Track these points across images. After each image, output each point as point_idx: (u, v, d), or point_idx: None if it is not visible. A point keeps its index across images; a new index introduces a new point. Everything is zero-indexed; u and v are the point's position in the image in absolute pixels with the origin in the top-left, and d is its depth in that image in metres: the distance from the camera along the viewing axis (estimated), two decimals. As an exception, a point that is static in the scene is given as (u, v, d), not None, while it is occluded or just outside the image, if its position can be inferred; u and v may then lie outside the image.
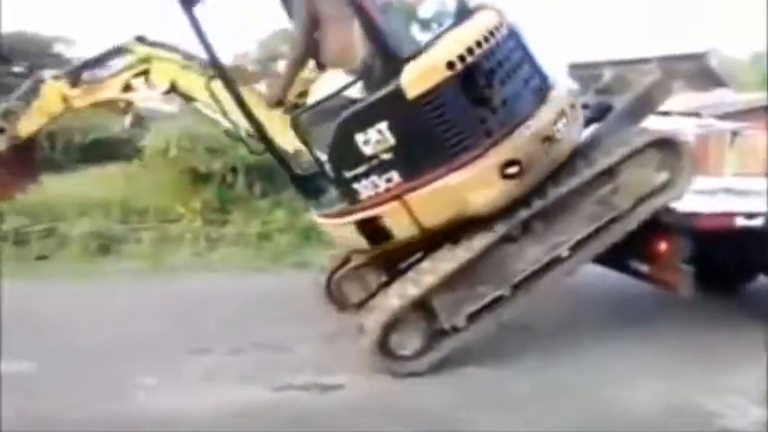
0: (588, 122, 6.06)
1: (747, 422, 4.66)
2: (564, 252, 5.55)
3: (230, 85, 5.42)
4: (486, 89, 5.04)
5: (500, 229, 5.34)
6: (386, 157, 5.03)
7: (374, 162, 5.06)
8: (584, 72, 7.38)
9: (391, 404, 4.94)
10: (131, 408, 4.87)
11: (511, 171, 5.09)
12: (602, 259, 6.07)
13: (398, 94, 4.89)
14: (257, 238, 9.12)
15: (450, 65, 4.88)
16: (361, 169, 5.12)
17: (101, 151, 11.30)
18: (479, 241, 5.31)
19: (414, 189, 5.08)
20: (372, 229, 5.29)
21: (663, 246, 5.85)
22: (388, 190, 5.13)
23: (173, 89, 6.17)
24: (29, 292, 7.42)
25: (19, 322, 6.29)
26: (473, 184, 5.05)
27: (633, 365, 5.54)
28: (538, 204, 5.38)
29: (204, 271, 8.33)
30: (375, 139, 4.99)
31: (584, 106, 6.13)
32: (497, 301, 5.47)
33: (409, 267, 5.74)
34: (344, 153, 5.13)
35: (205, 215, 9.40)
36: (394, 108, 4.95)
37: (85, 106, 6.73)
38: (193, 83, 6.00)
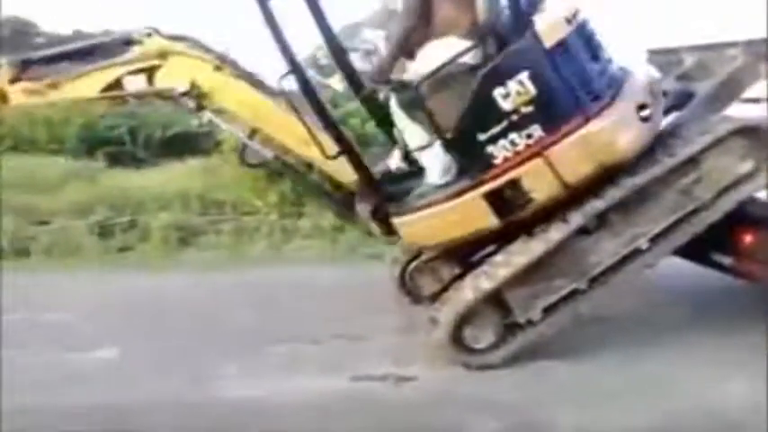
0: (668, 110, 5.90)
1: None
2: (643, 244, 5.41)
3: (308, 87, 5.32)
4: (596, 47, 5.35)
5: (575, 220, 5.26)
6: (526, 110, 5.01)
7: (514, 117, 5.03)
8: (664, 58, 7.15)
9: (465, 396, 4.95)
10: (212, 396, 5.02)
11: (644, 114, 5.21)
12: (683, 252, 5.89)
13: (537, 43, 4.96)
14: (331, 231, 9.20)
15: (568, 20, 5.06)
16: (498, 128, 5.07)
17: (181, 145, 11.58)
18: (554, 233, 5.24)
19: (555, 143, 5.06)
20: (506, 198, 5.16)
21: (748, 238, 5.64)
22: (528, 147, 5.08)
23: (187, 93, 5.68)
24: (112, 282, 7.70)
25: (104, 312, 6.56)
26: (614, 130, 5.08)
27: (715, 361, 5.35)
28: (615, 195, 5.26)
29: (280, 262, 8.46)
30: (516, 90, 4.98)
31: (664, 94, 5.96)
32: (573, 294, 5.39)
33: (482, 260, 5.70)
34: (481, 112, 5.08)
35: (281, 208, 9.52)
36: (533, 58, 4.99)
37: (35, 104, 6.12)
38: (228, 91, 5.73)
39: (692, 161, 5.41)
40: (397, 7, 5.65)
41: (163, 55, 5.65)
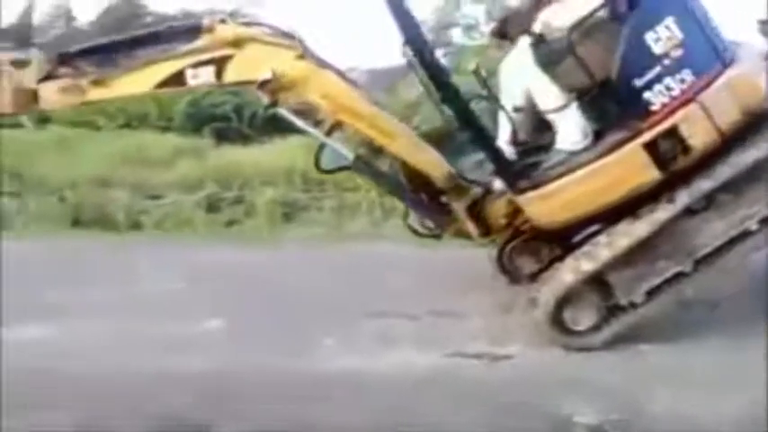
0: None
1: None
2: (753, 226, 5.21)
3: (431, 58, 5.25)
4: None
5: (682, 201, 5.11)
6: (676, 54, 5.01)
7: (666, 62, 5.02)
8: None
9: (563, 377, 4.92)
10: (311, 366, 5.21)
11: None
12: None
13: None
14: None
15: None
16: (653, 73, 5.04)
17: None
18: (660, 214, 5.11)
19: (705, 87, 5.06)
20: (666, 147, 5.08)
21: None
22: (683, 92, 5.06)
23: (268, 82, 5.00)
24: (220, 255, 8.01)
25: (212, 284, 6.84)
26: (752, 74, 5.20)
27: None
28: (724, 174, 5.10)
29: (380, 239, 8.57)
30: (665, 35, 4.98)
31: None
32: (678, 276, 5.25)
33: (583, 241, 5.60)
34: (635, 57, 5.05)
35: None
36: (674, 2, 5.06)
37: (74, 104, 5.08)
38: (314, 81, 5.09)
39: (807, 137, 5.15)
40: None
41: (238, 43, 4.98)
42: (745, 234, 5.25)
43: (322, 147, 5.76)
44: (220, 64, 4.95)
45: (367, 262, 7.75)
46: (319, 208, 9.55)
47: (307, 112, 5.63)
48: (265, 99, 5.14)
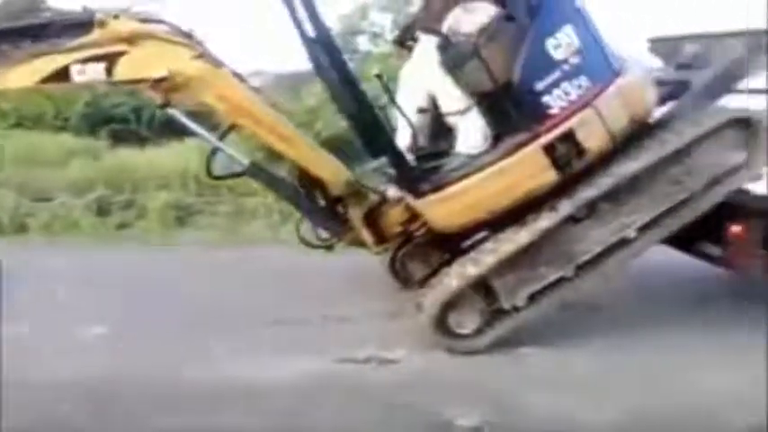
0: (665, 100, 5.88)
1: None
2: (631, 233, 5.42)
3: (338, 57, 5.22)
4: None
5: (565, 209, 5.26)
6: (575, 60, 5.17)
7: (565, 67, 5.16)
8: (665, 47, 7.11)
9: (445, 380, 4.98)
10: (201, 375, 5.07)
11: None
12: (672, 241, 5.90)
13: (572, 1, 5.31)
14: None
15: None
16: (552, 77, 5.17)
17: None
18: (543, 222, 5.24)
19: (599, 93, 5.23)
20: (563, 150, 5.21)
21: (736, 229, 5.62)
22: (579, 97, 5.21)
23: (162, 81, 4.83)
24: (108, 260, 7.76)
25: (99, 289, 6.61)
26: (641, 84, 5.52)
27: (700, 350, 5.33)
28: (605, 184, 5.27)
29: (277, 244, 8.49)
30: (565, 42, 5.14)
31: (661, 83, 5.94)
32: (560, 281, 5.40)
33: (472, 247, 5.70)
34: (536, 62, 5.17)
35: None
36: (572, 13, 5.27)
37: None
38: (211, 82, 4.95)
39: (684, 151, 5.41)
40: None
41: (131, 39, 4.77)
42: (624, 241, 5.45)
43: (214, 152, 5.57)
44: (111, 60, 4.74)
45: (261, 267, 7.68)
46: (214, 212, 9.42)
47: (204, 115, 5.53)
48: (158, 99, 5.01)
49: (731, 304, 6.28)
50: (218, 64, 5.12)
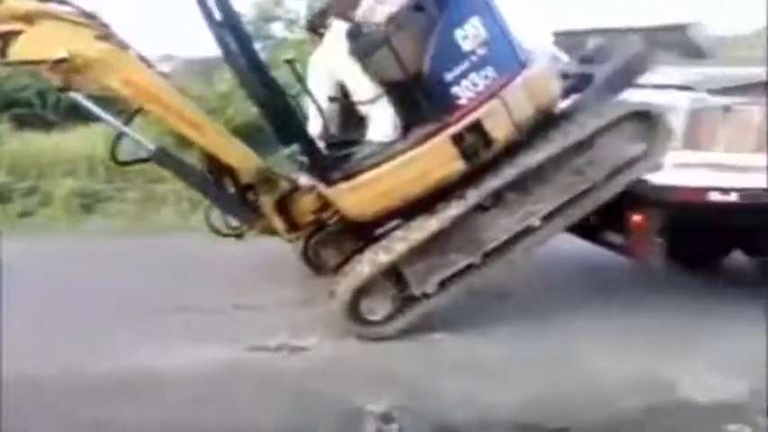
0: (569, 92, 6.05)
1: (709, 393, 4.73)
2: (536, 222, 5.59)
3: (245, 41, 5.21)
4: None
5: (472, 197, 5.38)
6: (482, 51, 5.23)
7: (473, 58, 5.22)
8: (569, 40, 7.34)
9: (357, 367, 5.03)
10: (107, 365, 4.95)
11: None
12: (576, 230, 6.12)
13: None
14: (241, 201, 9.12)
15: None
16: (461, 68, 5.23)
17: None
18: (451, 211, 5.35)
19: (505, 84, 5.31)
20: (471, 140, 5.28)
21: (636, 218, 5.87)
22: (486, 88, 5.28)
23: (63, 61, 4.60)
24: (11, 249, 7.46)
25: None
26: (546, 75, 5.62)
27: (604, 335, 5.59)
28: (510, 174, 5.41)
29: (187, 232, 8.35)
30: (473, 33, 5.20)
31: (565, 76, 6.12)
32: (468, 268, 5.53)
33: (385, 235, 5.76)
34: (445, 53, 5.22)
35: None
36: (479, 4, 5.31)
37: None
38: (115, 64, 4.78)
39: (586, 143, 5.60)
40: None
41: (29, 18, 4.60)
42: (530, 230, 5.62)
43: (119, 137, 5.41)
44: (6, 40, 4.54)
45: (171, 255, 7.54)
46: (123, 199, 9.19)
47: (110, 99, 5.33)
48: (57, 81, 4.80)
49: (632, 292, 6.60)
50: (123, 46, 4.97)
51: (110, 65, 4.79)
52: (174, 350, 5.16)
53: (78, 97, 4.93)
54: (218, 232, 5.98)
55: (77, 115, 11.15)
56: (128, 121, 5.31)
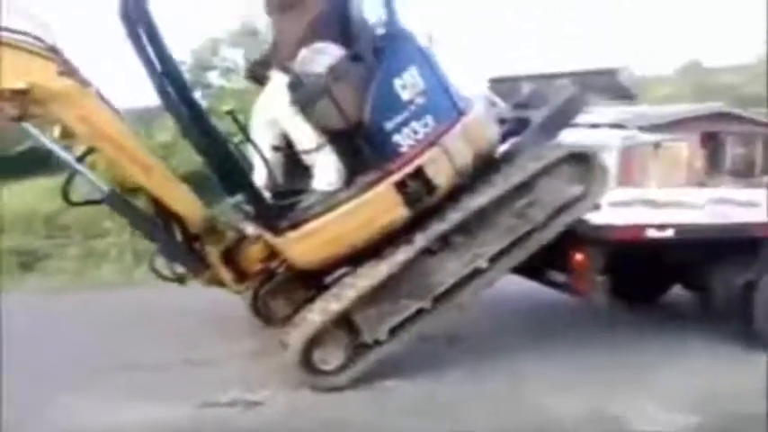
0: (506, 136, 6.20)
1: (658, 428, 4.85)
2: (483, 264, 5.67)
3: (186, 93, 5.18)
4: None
5: (420, 242, 5.45)
6: (420, 101, 5.36)
7: (412, 107, 5.34)
8: (504, 86, 7.56)
9: (313, 419, 4.99)
10: (50, 427, 4.80)
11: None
12: (521, 270, 6.23)
13: (415, 43, 5.51)
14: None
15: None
16: (401, 117, 5.32)
17: (32, 162, 11.05)
18: (400, 256, 5.40)
19: (445, 132, 5.44)
20: (413, 187, 5.35)
21: (578, 257, 6.04)
22: (426, 136, 5.38)
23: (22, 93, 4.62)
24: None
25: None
26: (484, 122, 5.78)
27: (552, 373, 5.71)
28: (455, 217, 5.50)
29: (130, 287, 8.23)
30: (410, 83, 5.33)
31: (502, 121, 6.29)
32: (419, 313, 5.57)
33: (334, 282, 5.78)
34: (385, 102, 5.31)
35: (133, 230, 9.21)
36: (416, 55, 5.47)
37: None
38: (72, 101, 4.79)
39: (526, 185, 5.74)
40: (255, 26, 5.65)
41: None
42: (477, 272, 5.70)
43: (71, 177, 5.33)
44: None
45: (116, 311, 7.41)
46: (63, 255, 8.98)
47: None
48: (11, 111, 4.72)
49: (577, 329, 6.74)
50: (84, 84, 4.97)
51: (70, 100, 4.80)
52: (120, 411, 5.02)
53: (32, 128, 4.90)
54: (161, 276, 5.89)
55: (13, 170, 10.96)
56: (80, 160, 5.23)
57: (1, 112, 4.75)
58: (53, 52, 4.89)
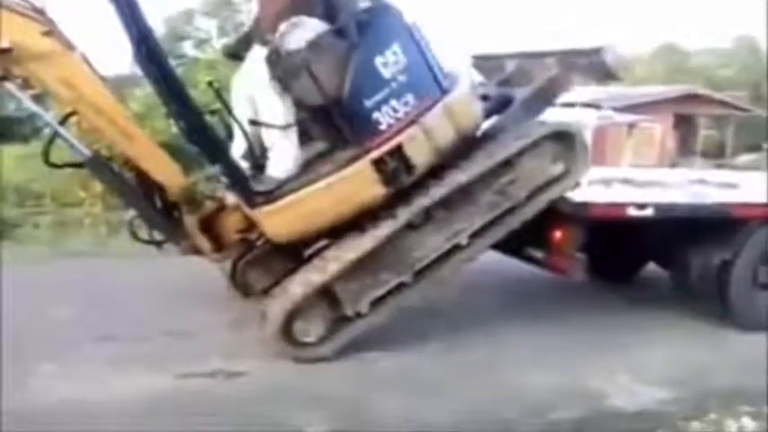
0: (489, 114, 6.22)
1: (636, 402, 4.94)
2: (463, 240, 5.71)
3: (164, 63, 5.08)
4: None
5: (403, 216, 5.47)
6: (402, 78, 5.30)
7: (393, 85, 5.29)
8: (487, 64, 7.56)
9: (293, 389, 5.01)
10: (29, 398, 4.74)
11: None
12: (501, 246, 6.28)
13: (400, 19, 5.41)
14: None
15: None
16: (381, 95, 5.27)
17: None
18: (383, 230, 5.41)
19: (426, 110, 5.40)
20: (391, 165, 5.33)
21: (558, 234, 6.10)
22: (406, 114, 5.34)
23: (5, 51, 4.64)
24: None
25: None
26: (466, 100, 5.68)
27: (530, 347, 5.80)
28: (438, 192, 5.52)
29: (106, 256, 8.14)
30: (392, 60, 5.27)
31: (485, 98, 6.30)
32: (400, 287, 5.61)
33: (314, 255, 5.79)
34: (365, 80, 5.26)
35: (106, 199, 9.10)
36: (400, 31, 5.39)
37: None
38: (55, 62, 4.80)
39: (509, 163, 5.77)
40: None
41: None
42: (458, 247, 5.73)
43: (52, 139, 5.30)
44: None
45: (92, 282, 7.34)
46: (35, 224, 8.84)
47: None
48: None
49: (556, 305, 6.83)
50: (69, 46, 4.93)
51: (53, 62, 4.77)
52: (99, 382, 4.99)
53: (13, 88, 4.85)
54: (139, 239, 5.87)
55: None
56: (61, 123, 5.19)
57: None
58: (39, 14, 4.86)
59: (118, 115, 5.11)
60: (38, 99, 5.08)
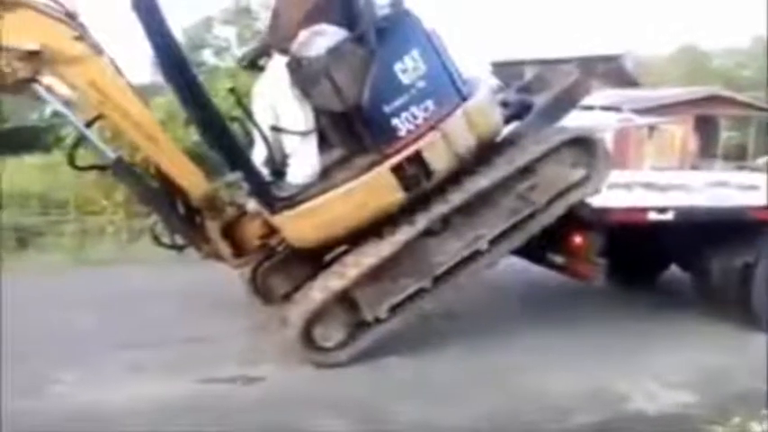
0: (509, 120, 6.21)
1: (658, 406, 4.90)
2: (483, 245, 5.70)
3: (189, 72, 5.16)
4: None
5: (421, 223, 5.47)
6: (421, 84, 5.31)
7: (412, 91, 5.31)
8: (507, 70, 7.56)
9: (313, 394, 5.02)
10: (50, 403, 4.80)
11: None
12: (521, 252, 6.26)
13: (420, 26, 5.40)
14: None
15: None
16: (400, 101, 5.30)
17: (18, 141, 10.94)
18: (402, 235, 5.41)
19: (445, 117, 5.41)
20: (411, 171, 5.35)
21: (578, 239, 6.07)
22: (426, 120, 5.36)
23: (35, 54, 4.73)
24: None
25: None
26: (487, 107, 5.69)
27: (550, 352, 5.76)
28: (457, 199, 5.51)
29: (127, 264, 8.19)
30: (412, 67, 5.28)
31: (505, 104, 6.30)
32: (419, 292, 5.61)
33: (334, 260, 5.79)
34: (384, 86, 5.29)
35: (128, 207, 9.18)
36: (420, 38, 5.39)
37: None
38: (84, 66, 4.89)
39: (529, 168, 5.75)
40: (248, 4, 5.58)
41: (7, 5, 4.67)
42: (477, 253, 5.72)
43: (77, 143, 5.46)
44: None
45: (114, 289, 7.40)
46: (59, 233, 8.92)
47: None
48: (22, 72, 4.77)
49: (576, 310, 6.78)
50: (97, 50, 5.01)
51: (82, 65, 4.88)
52: (121, 387, 5.04)
53: (42, 90, 4.95)
54: (161, 243, 5.93)
55: (7, 147, 10.88)
56: (88, 126, 5.30)
57: (13, 73, 4.77)
58: (71, 18, 4.95)
59: (144, 119, 5.18)
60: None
